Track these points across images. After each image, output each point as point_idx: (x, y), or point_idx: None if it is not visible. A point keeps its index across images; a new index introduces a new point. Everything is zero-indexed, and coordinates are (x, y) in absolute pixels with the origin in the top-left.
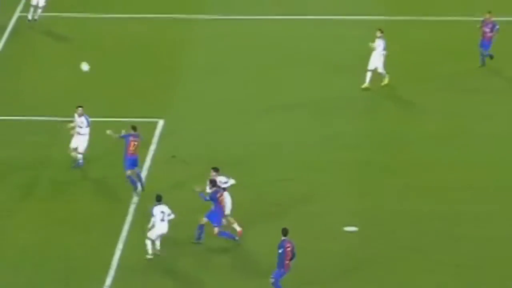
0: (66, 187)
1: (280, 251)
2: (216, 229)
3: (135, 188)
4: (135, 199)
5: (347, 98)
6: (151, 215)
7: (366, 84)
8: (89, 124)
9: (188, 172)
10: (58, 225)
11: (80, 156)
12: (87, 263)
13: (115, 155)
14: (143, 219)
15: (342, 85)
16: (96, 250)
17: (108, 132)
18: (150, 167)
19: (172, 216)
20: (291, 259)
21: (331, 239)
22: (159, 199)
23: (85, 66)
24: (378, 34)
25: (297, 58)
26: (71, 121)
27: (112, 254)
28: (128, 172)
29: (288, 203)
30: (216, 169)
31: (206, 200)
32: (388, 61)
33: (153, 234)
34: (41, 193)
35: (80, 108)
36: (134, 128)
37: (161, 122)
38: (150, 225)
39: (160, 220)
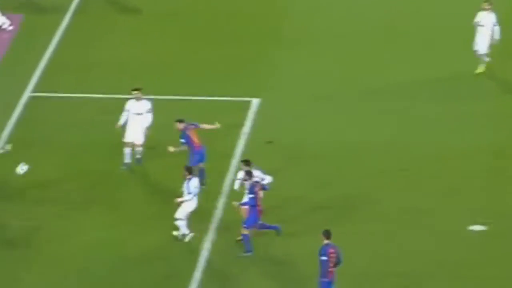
0: (140, 176)
1: (324, 258)
2: (244, 231)
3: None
4: (221, 201)
5: (464, 77)
6: (187, 190)
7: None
8: (151, 110)
9: (284, 161)
10: (137, 220)
11: (139, 150)
12: (171, 265)
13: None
14: (234, 215)
15: (457, 61)
16: (181, 251)
17: (171, 149)
18: (243, 153)
19: None
20: (335, 265)
21: (453, 239)
22: (191, 171)
23: (21, 168)
24: (486, 6)
25: (411, 30)
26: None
27: (198, 255)
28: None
29: (406, 197)
30: (247, 162)
31: (246, 204)
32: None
33: (184, 212)
34: (115, 182)
35: (136, 91)
36: (181, 120)
37: (255, 102)
38: (181, 200)
39: (194, 195)
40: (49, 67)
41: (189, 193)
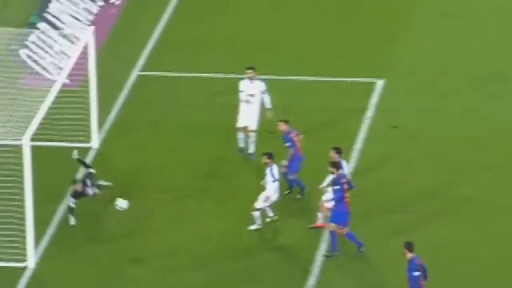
0: (256, 162)
1: (416, 274)
2: (345, 230)
3: (302, 188)
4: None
5: None
6: (272, 178)
7: None
8: (266, 91)
9: (410, 148)
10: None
11: (252, 135)
12: (285, 258)
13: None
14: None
15: None
16: (296, 242)
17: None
18: (366, 139)
19: None
20: (425, 279)
21: None
22: (272, 157)
23: (122, 203)
24: None
25: None
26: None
27: (315, 248)
28: (295, 175)
29: None
30: (338, 150)
31: (333, 200)
32: None
33: (267, 202)
34: (229, 169)
35: (251, 70)
36: (286, 121)
37: (380, 83)
38: (267, 194)
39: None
40: (159, 44)
41: (274, 180)
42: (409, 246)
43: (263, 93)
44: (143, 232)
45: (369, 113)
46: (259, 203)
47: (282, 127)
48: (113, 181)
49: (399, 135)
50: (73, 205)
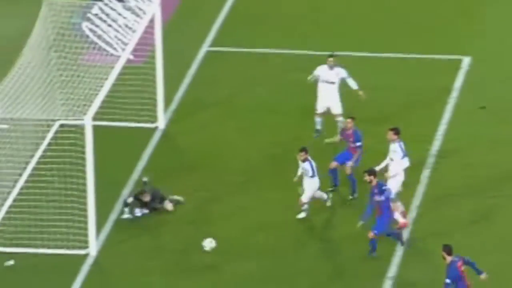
0: (332, 145)
1: (448, 281)
2: (372, 234)
3: (335, 185)
4: (424, 174)
5: None
6: (310, 173)
7: None
8: (349, 75)
9: (498, 129)
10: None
11: (340, 120)
12: (359, 249)
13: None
14: (438, 189)
15: None
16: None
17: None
18: (450, 121)
19: None
20: (478, 272)
21: None
22: (305, 150)
23: (208, 243)
24: None
25: None
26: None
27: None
28: (338, 164)
29: None
30: (396, 131)
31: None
32: None
33: (310, 195)
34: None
35: (332, 58)
36: (353, 118)
37: (466, 60)
38: (312, 191)
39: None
40: (229, 18)
41: (313, 176)
42: (448, 249)
43: (346, 78)
44: (209, 219)
45: (455, 92)
46: (305, 198)
47: (350, 124)
48: (180, 162)
49: (487, 116)
50: (138, 214)
